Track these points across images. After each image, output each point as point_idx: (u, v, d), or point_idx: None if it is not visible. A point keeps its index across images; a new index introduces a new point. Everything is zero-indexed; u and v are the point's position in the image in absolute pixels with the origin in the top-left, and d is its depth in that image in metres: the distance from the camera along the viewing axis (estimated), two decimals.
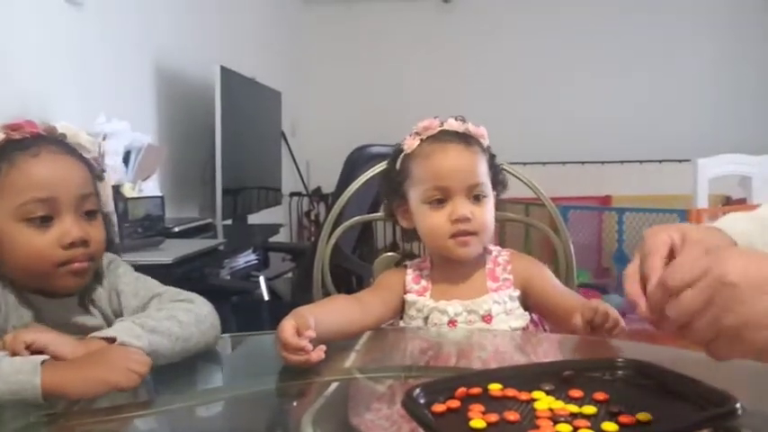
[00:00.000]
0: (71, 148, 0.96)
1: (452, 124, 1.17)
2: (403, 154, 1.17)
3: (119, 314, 0.97)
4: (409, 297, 1.15)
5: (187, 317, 0.93)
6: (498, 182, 1.20)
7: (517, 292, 1.14)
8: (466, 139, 1.15)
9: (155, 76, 2.64)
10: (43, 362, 0.76)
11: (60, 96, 2.01)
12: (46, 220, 0.90)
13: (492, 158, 1.19)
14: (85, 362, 0.79)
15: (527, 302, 1.16)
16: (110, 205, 1.03)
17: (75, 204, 0.92)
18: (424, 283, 1.16)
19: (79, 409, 0.75)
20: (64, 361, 0.78)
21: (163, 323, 0.90)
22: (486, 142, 1.18)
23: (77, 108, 2.07)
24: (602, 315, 0.96)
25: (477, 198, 1.12)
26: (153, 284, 1.01)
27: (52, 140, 0.94)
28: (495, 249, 1.19)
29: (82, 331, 0.91)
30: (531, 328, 1.15)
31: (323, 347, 0.87)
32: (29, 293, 0.93)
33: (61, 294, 0.94)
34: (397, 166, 1.18)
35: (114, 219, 1.71)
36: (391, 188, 1.19)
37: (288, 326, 0.87)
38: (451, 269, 1.16)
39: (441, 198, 1.11)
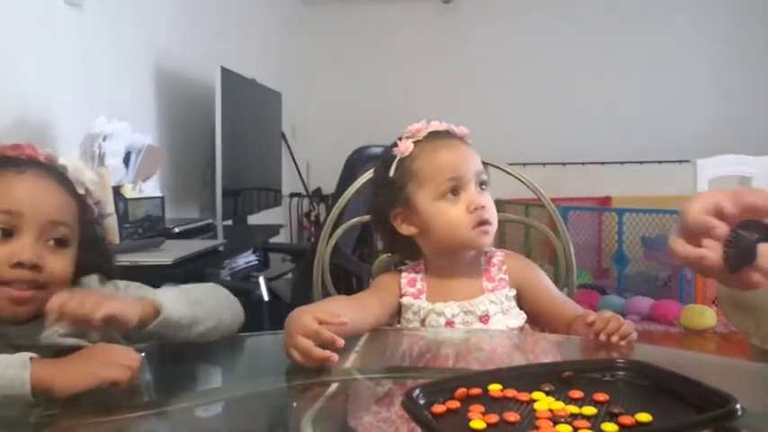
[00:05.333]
0: (63, 179, 0.95)
1: (437, 125, 1.18)
2: (397, 159, 1.16)
3: None
4: (405, 300, 1.15)
5: (221, 296, 1.00)
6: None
7: (513, 292, 1.14)
8: (456, 136, 1.18)
9: (155, 76, 2.64)
10: (32, 358, 0.75)
11: (60, 97, 2.01)
12: (6, 235, 0.87)
13: None
14: (74, 358, 0.79)
15: (520, 303, 1.16)
16: (110, 207, 1.04)
17: (40, 227, 0.89)
18: (419, 285, 1.16)
19: (80, 409, 0.75)
20: (53, 359, 0.78)
21: (201, 298, 0.95)
22: (469, 142, 1.20)
23: (77, 109, 2.07)
24: (615, 322, 0.96)
25: (481, 189, 1.14)
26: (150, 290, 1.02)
27: (45, 167, 0.94)
28: (489, 250, 1.19)
29: (57, 349, 0.89)
30: (528, 327, 1.15)
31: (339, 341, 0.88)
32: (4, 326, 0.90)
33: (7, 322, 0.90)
34: (391, 173, 1.17)
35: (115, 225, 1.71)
36: (390, 196, 1.17)
37: (311, 319, 0.87)
38: (447, 271, 1.15)
39: (455, 191, 1.12)
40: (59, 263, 0.91)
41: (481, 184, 1.14)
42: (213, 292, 1.02)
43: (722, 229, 0.71)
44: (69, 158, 0.98)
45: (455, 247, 1.14)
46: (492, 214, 1.13)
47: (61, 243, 0.91)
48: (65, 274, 0.92)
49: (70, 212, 0.94)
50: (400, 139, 1.18)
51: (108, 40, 2.28)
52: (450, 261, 1.15)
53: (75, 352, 0.83)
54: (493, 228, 1.13)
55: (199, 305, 0.93)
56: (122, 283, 1.02)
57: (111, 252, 1.05)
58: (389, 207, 1.17)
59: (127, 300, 0.90)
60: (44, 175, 0.92)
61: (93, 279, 0.99)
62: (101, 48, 2.23)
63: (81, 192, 0.97)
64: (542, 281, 1.17)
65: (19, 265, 0.86)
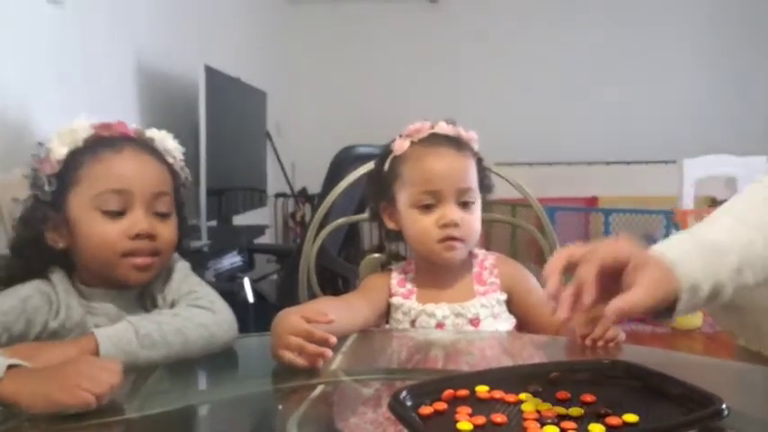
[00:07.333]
0: (155, 151, 1.02)
1: (443, 128, 1.16)
2: (392, 156, 1.16)
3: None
4: (395, 300, 1.15)
5: (198, 334, 0.94)
6: (484, 186, 1.19)
7: (504, 296, 1.14)
8: (457, 143, 1.15)
9: (137, 75, 2.61)
10: (14, 366, 0.75)
11: (41, 96, 1.98)
12: (119, 213, 0.96)
13: (480, 162, 1.19)
14: (45, 375, 0.76)
15: (510, 307, 1.16)
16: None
17: (147, 200, 0.97)
18: (409, 286, 1.16)
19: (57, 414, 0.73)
20: (32, 369, 0.77)
21: (167, 339, 0.91)
22: (476, 147, 1.18)
23: (58, 108, 2.04)
24: (601, 327, 0.96)
25: (465, 204, 1.12)
26: (193, 282, 1.04)
27: (138, 141, 1.01)
28: (480, 253, 1.19)
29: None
30: (516, 332, 1.15)
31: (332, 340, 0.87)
32: (85, 287, 0.97)
33: (124, 287, 0.98)
34: (386, 167, 1.17)
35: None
36: (379, 189, 1.18)
37: (300, 319, 0.86)
38: (438, 273, 1.15)
39: (430, 203, 1.11)
40: (168, 230, 1.00)
41: (464, 201, 1.11)
42: (197, 328, 0.95)
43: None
44: (153, 130, 1.04)
45: (424, 255, 1.14)
46: (467, 233, 1.11)
47: (165, 213, 1.00)
48: (173, 240, 1.01)
49: (168, 182, 1.02)
50: (401, 135, 1.17)
51: (90, 39, 2.26)
52: (438, 263, 1.14)
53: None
54: (464, 245, 1.12)
55: (154, 348, 0.90)
56: (180, 264, 1.04)
57: (187, 220, 1.10)
58: (378, 200, 1.19)
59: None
60: (139, 149, 0.99)
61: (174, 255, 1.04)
62: (82, 46, 2.21)
63: (170, 161, 1.04)
64: (533, 286, 1.17)
65: (137, 236, 0.96)
